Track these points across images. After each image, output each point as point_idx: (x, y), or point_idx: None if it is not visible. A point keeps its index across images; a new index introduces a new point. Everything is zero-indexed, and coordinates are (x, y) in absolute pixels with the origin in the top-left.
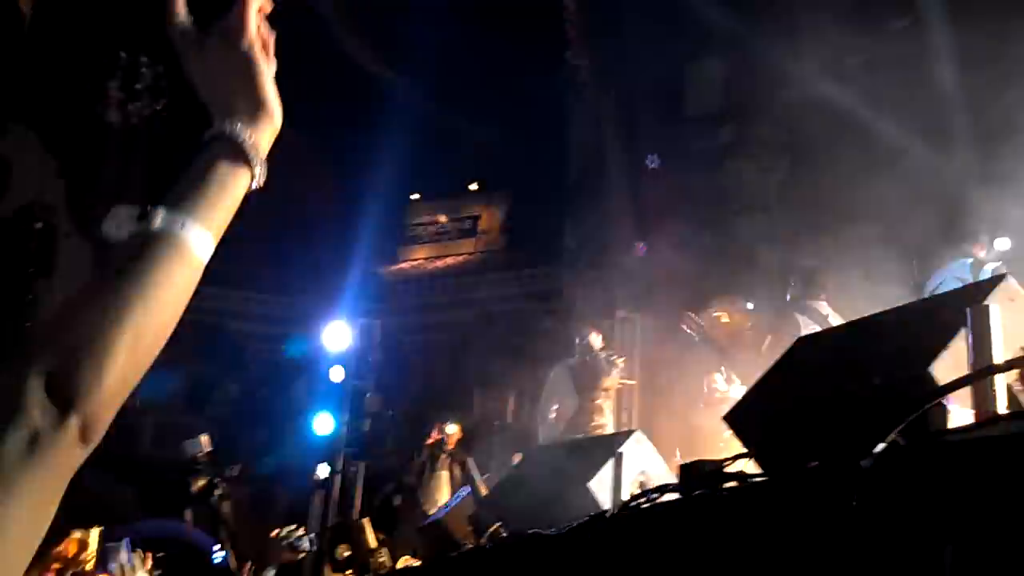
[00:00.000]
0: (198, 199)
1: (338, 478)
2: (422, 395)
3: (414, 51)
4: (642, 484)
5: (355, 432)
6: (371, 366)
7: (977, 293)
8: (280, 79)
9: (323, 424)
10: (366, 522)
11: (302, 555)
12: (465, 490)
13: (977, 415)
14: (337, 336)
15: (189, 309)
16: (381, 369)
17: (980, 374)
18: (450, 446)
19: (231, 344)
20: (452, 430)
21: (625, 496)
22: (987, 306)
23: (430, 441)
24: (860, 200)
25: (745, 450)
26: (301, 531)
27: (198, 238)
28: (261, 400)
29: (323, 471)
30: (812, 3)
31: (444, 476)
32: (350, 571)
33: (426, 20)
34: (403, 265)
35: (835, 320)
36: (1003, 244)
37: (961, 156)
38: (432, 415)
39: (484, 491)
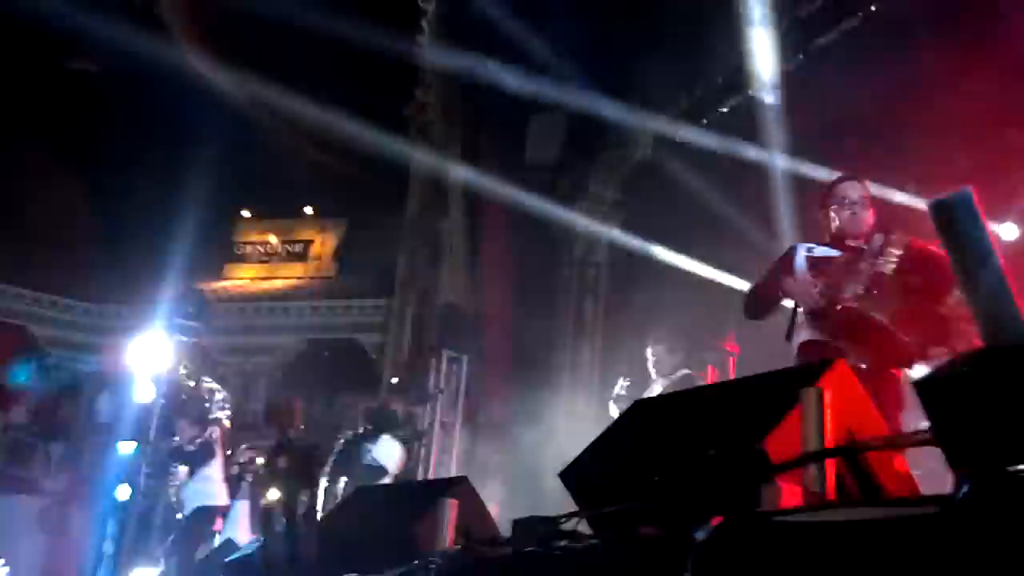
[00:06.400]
0: None
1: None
2: (235, 420)
3: (256, 65)
4: (467, 533)
5: (160, 455)
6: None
7: (811, 374)
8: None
9: (127, 443)
10: None
11: None
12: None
13: (804, 496)
14: (149, 352)
15: None
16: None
17: (811, 457)
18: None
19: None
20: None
21: (449, 545)
22: (819, 389)
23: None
24: None
25: (578, 508)
26: None
27: None
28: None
29: (124, 492)
30: (653, 69)
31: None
32: None
33: (277, 44)
34: (227, 284)
35: None
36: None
37: None
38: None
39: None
